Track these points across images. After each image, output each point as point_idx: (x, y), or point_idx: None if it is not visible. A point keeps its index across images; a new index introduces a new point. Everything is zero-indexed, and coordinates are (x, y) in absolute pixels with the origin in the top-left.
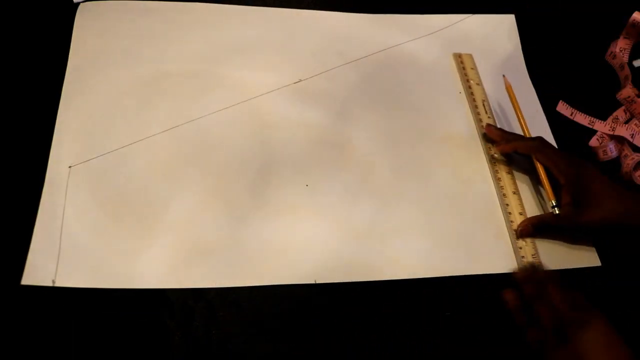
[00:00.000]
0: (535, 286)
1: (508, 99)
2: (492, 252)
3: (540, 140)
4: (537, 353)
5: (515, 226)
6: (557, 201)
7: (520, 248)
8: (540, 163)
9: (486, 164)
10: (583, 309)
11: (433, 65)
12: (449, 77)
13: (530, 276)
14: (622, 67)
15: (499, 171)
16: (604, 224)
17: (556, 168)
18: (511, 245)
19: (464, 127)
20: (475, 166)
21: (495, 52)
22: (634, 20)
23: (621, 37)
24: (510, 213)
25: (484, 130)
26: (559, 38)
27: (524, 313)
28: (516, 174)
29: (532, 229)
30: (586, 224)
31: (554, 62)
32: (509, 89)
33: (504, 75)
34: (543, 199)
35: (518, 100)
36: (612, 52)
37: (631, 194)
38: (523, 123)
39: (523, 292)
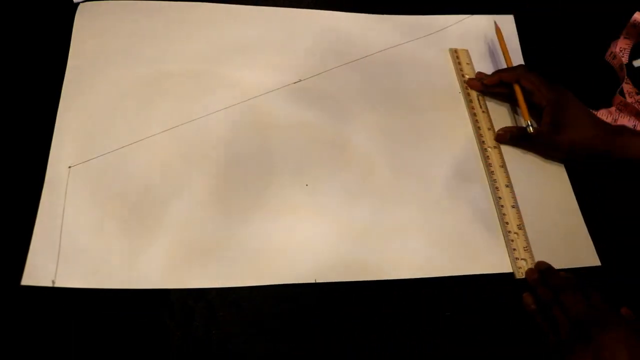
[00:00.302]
0: (550, 290)
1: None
2: (491, 252)
3: (522, 67)
4: (556, 355)
5: (510, 232)
6: (531, 121)
7: (512, 241)
8: (526, 88)
9: (483, 166)
10: (602, 310)
11: (432, 65)
12: (448, 77)
13: (541, 280)
14: (621, 67)
15: (492, 165)
16: (575, 145)
17: (539, 92)
18: (503, 239)
19: (463, 127)
20: (474, 166)
21: (495, 52)
22: (635, 20)
23: (621, 37)
24: (502, 206)
25: (472, 89)
26: (558, 38)
27: (543, 315)
28: (511, 171)
29: (508, 137)
30: (560, 143)
31: (553, 62)
32: (498, 31)
33: (495, 22)
34: (537, 188)
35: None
36: (612, 53)
37: (602, 122)
38: (508, 60)
39: (538, 296)
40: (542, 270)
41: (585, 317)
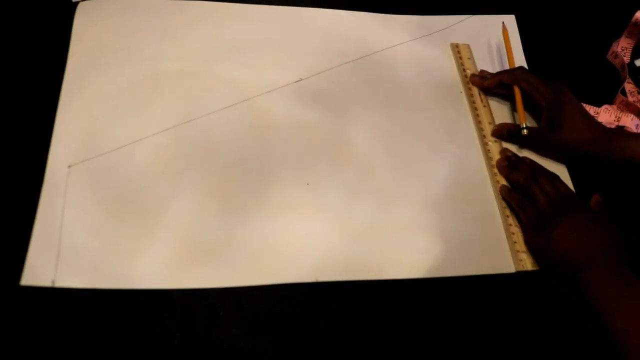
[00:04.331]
0: (524, 176)
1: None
2: (492, 252)
3: (522, 68)
4: (530, 231)
5: (511, 225)
6: (526, 124)
7: (513, 234)
8: (525, 90)
9: (485, 163)
10: (564, 195)
11: (434, 65)
12: (450, 77)
13: (511, 167)
14: (623, 67)
15: (493, 159)
16: (569, 146)
17: (538, 93)
18: (506, 240)
19: (464, 127)
20: (475, 166)
21: (495, 52)
22: (636, 19)
23: (623, 37)
24: (505, 207)
25: (475, 85)
26: (560, 38)
27: (518, 194)
28: None
29: (505, 132)
30: (555, 143)
31: (555, 62)
32: (504, 32)
33: (503, 22)
34: None
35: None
36: (613, 52)
37: (598, 123)
38: (511, 61)
39: (512, 182)
40: (510, 157)
41: (554, 200)
